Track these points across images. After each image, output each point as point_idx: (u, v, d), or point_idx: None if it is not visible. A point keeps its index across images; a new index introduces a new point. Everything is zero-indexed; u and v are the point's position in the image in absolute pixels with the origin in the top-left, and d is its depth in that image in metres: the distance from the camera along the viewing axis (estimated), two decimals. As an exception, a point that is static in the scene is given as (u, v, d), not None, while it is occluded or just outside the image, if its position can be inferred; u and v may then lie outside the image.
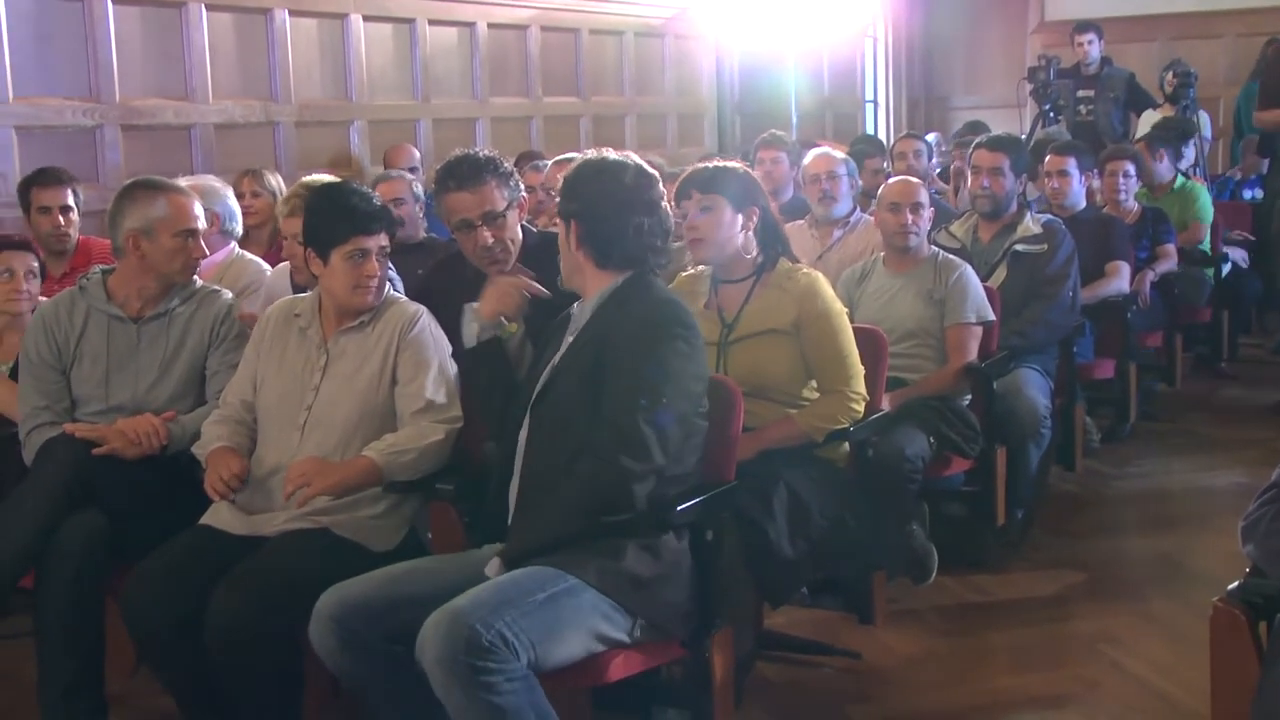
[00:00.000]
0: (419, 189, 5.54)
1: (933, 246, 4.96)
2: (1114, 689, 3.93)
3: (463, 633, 2.68)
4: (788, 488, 3.63)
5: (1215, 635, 2.64)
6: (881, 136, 10.97)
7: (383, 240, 3.50)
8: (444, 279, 4.01)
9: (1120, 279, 6.07)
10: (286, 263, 4.49)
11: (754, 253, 3.91)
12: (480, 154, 3.79)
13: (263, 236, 5.82)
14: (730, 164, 4.00)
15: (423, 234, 5.47)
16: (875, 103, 12.44)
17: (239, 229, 5.09)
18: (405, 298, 3.68)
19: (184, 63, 6.82)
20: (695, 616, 3.11)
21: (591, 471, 2.96)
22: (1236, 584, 2.63)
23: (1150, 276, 6.55)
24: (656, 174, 3.25)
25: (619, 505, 2.96)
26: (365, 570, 3.08)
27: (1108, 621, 4.37)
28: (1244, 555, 2.65)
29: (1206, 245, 7.38)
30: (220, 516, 3.42)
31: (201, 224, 3.87)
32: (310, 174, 4.67)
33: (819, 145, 6.33)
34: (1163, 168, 7.50)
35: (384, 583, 3.02)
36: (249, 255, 5.02)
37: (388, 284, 3.60)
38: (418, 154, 7.59)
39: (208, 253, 3.99)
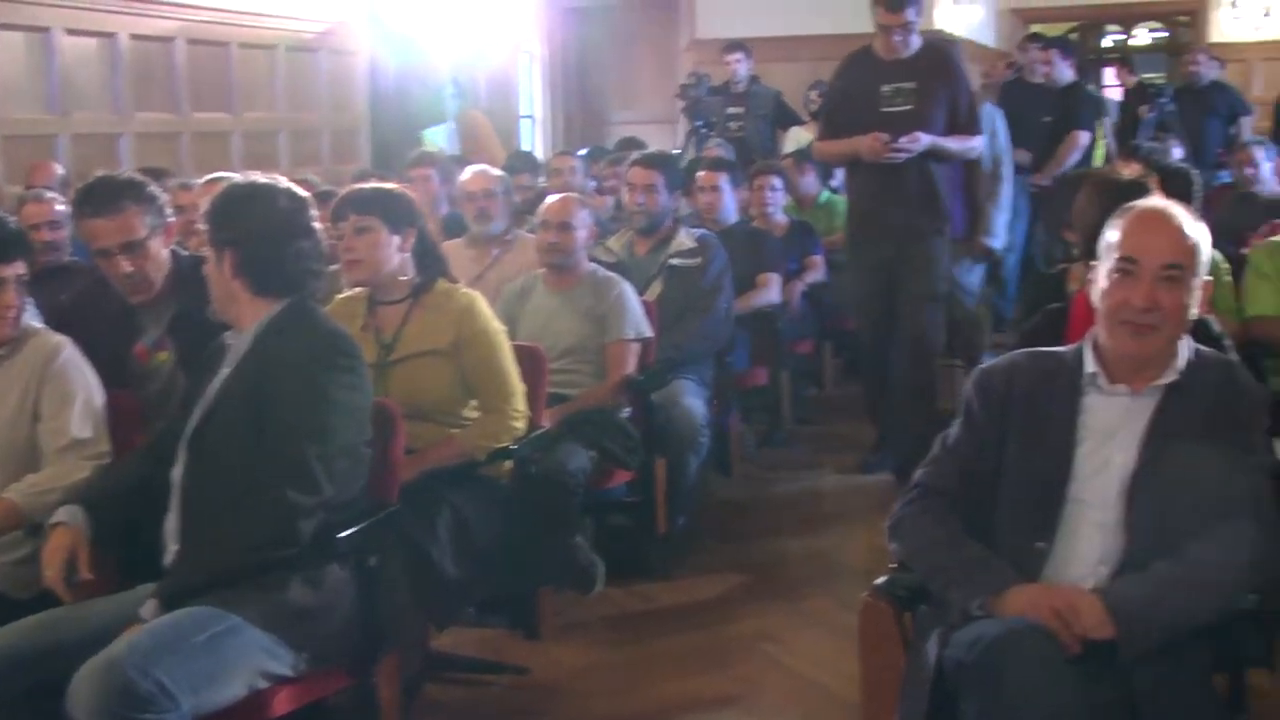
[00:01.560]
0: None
1: (591, 263, 5.04)
2: (774, 685, 4.08)
3: (118, 683, 2.56)
4: (451, 508, 3.65)
5: (864, 627, 2.81)
6: (539, 152, 11.06)
7: (19, 268, 3.33)
8: (88, 306, 3.84)
9: (771, 290, 6.28)
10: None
11: (411, 274, 3.90)
12: (121, 177, 3.65)
13: None
14: (387, 185, 4.00)
15: (67, 257, 5.21)
16: (533, 118, 12.55)
17: None
18: (46, 328, 3.50)
19: None
20: (361, 643, 3.07)
21: (256, 506, 2.89)
22: (883, 579, 2.80)
23: (800, 287, 6.83)
24: (308, 195, 3.20)
25: (284, 541, 2.89)
26: (7, 621, 2.90)
27: (768, 620, 4.54)
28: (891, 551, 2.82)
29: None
30: None
31: None
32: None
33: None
34: (808, 181, 7.86)
35: (28, 632, 2.85)
36: None
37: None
38: (61, 170, 7.21)
39: None
